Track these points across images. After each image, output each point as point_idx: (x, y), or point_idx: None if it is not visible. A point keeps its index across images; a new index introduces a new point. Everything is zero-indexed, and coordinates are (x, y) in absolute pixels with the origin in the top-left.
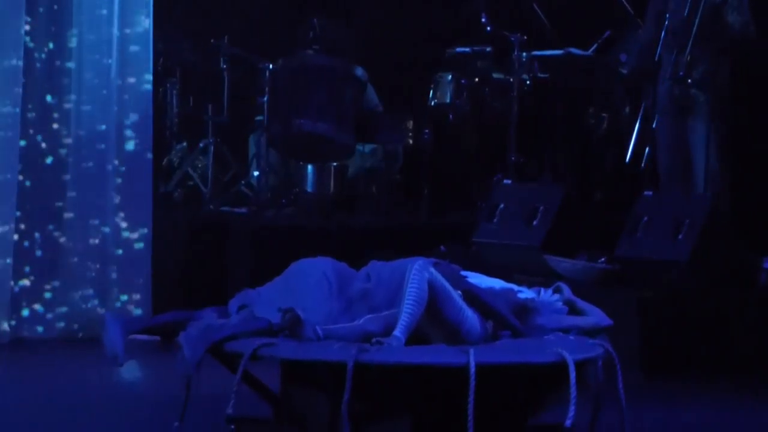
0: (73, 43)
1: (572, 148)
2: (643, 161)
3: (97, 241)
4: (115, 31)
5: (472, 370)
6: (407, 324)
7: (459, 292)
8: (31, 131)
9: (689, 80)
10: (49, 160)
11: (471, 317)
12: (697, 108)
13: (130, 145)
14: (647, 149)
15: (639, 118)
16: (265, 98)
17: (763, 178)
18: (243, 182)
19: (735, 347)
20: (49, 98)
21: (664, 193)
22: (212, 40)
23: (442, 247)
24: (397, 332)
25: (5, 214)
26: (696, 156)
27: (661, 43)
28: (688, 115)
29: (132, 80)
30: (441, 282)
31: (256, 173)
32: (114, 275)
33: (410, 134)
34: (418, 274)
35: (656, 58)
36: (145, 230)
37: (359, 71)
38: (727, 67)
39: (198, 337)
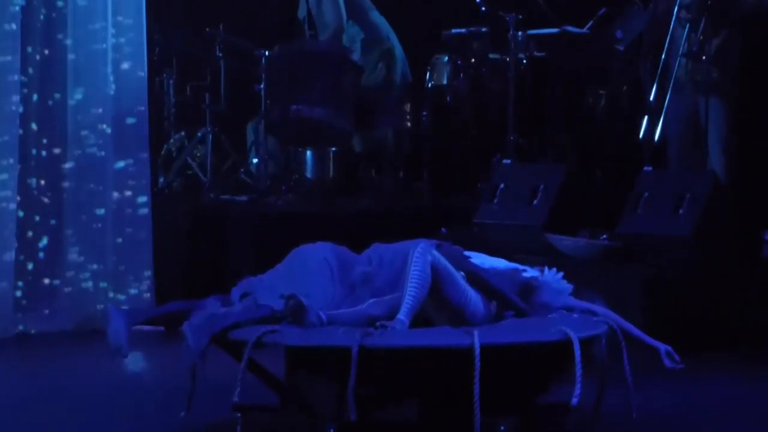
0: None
1: (571, 126)
2: (655, 136)
3: (97, 233)
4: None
5: (477, 351)
6: (411, 307)
7: (462, 273)
8: (30, 123)
9: (703, 56)
10: (46, 152)
11: (474, 298)
12: (710, 83)
13: (129, 135)
14: (659, 124)
15: (653, 94)
16: (262, 85)
17: None
18: (242, 170)
19: (739, 322)
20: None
21: (676, 168)
22: (207, 29)
23: (443, 229)
24: (400, 316)
25: (6, 221)
26: (707, 131)
27: (674, 18)
28: (701, 91)
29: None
30: (444, 264)
31: (255, 161)
32: (116, 267)
33: (408, 117)
34: (421, 257)
35: (670, 33)
36: (146, 222)
37: (356, 55)
38: (740, 42)
39: (202, 326)
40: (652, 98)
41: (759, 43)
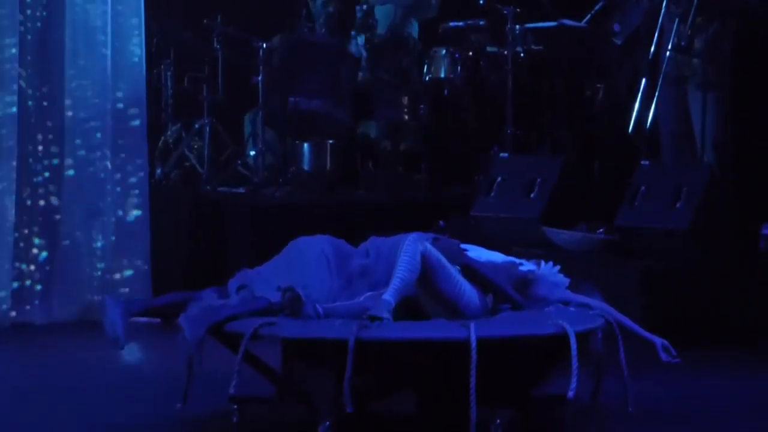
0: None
1: (569, 120)
2: (646, 130)
3: (95, 225)
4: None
5: (473, 344)
6: (397, 288)
7: (458, 267)
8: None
9: (692, 50)
10: (47, 139)
11: (469, 291)
12: (700, 77)
13: (126, 125)
14: (650, 118)
15: (642, 87)
16: (260, 77)
17: (764, 146)
18: (240, 162)
19: (736, 316)
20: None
21: (667, 162)
22: (205, 20)
23: (441, 222)
24: (386, 296)
25: (5, 209)
26: (698, 124)
27: (663, 12)
28: (691, 84)
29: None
30: (436, 256)
31: (252, 152)
32: (113, 258)
33: (406, 110)
34: (412, 244)
35: (659, 27)
36: (143, 212)
37: (354, 47)
38: (730, 35)
39: (199, 318)
40: (640, 92)
41: (749, 37)
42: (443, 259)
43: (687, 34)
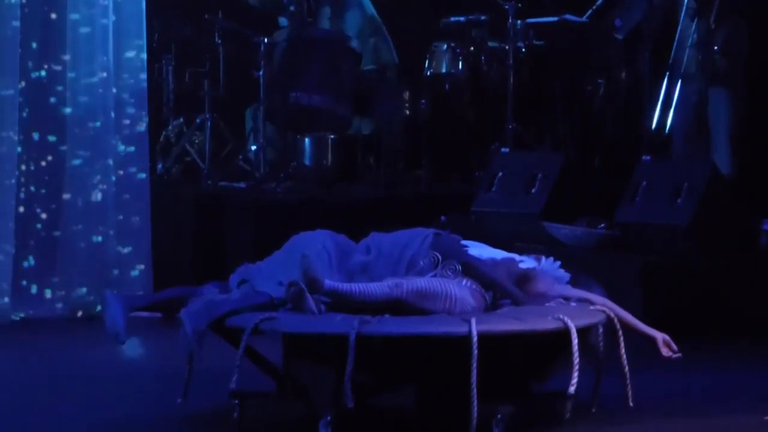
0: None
1: (570, 115)
2: (666, 128)
3: (95, 220)
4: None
5: (474, 339)
6: (345, 291)
7: (459, 265)
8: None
9: (714, 47)
10: (47, 139)
11: (460, 298)
12: (718, 73)
13: (126, 122)
14: (670, 116)
15: (665, 83)
16: (261, 72)
17: (764, 142)
18: (241, 157)
19: (736, 311)
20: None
21: (679, 157)
22: (206, 15)
23: (442, 218)
24: (328, 281)
25: (4, 208)
26: (716, 121)
27: (684, 8)
28: (709, 81)
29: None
30: (415, 291)
31: (253, 147)
32: (114, 253)
33: (407, 105)
34: (387, 290)
35: (680, 25)
36: (144, 208)
37: (355, 42)
38: (746, 31)
39: (199, 312)
40: (663, 90)
41: (764, 33)
42: (422, 286)
43: (707, 31)
